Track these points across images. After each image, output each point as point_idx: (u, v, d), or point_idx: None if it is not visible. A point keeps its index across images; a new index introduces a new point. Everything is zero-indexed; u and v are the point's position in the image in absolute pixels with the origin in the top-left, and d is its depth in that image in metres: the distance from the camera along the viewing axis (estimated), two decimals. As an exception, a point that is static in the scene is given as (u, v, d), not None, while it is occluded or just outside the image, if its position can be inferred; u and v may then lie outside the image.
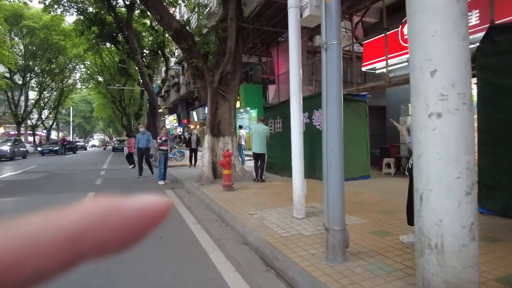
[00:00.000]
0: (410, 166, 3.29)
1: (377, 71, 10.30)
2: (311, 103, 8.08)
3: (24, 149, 22.76)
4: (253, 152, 8.36)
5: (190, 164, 13.01)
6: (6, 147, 20.00)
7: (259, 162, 8.20)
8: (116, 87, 26.61)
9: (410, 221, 3.29)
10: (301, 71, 4.92)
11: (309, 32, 12.47)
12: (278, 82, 14.55)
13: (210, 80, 8.45)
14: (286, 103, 9.00)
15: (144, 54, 23.25)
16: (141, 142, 9.95)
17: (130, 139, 13.87)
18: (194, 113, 32.78)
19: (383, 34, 8.41)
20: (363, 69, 10.48)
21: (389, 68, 8.55)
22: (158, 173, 9.06)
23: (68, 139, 37.89)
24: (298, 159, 4.67)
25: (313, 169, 7.88)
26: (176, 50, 35.93)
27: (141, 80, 30.53)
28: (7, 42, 22.04)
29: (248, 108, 20.93)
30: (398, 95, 10.27)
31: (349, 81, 11.18)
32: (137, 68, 16.24)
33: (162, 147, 9.00)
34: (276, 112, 9.83)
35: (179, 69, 35.30)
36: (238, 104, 21.18)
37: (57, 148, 27.23)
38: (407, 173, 3.52)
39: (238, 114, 23.57)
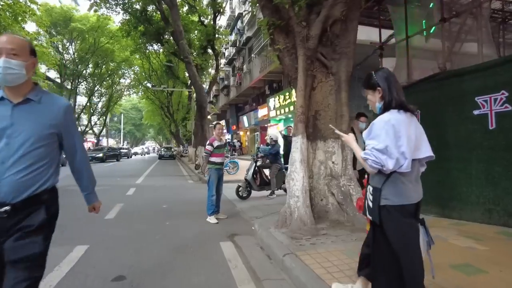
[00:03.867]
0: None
1: None
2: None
3: (63, 156, 20.71)
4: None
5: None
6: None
7: None
8: (162, 88, 24.07)
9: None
10: None
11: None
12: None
13: (301, 35, 4.54)
14: (447, 79, 4.80)
15: (194, 54, 20.41)
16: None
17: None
18: (245, 118, 29.38)
19: None
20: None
21: None
22: (207, 204, 5.26)
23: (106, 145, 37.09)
24: None
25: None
26: (226, 50, 33.19)
27: (188, 81, 28.23)
28: (47, 38, 20.08)
29: (315, 109, 16.68)
30: None
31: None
32: (182, 58, 12.97)
33: (214, 159, 5.27)
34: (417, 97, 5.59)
35: (229, 71, 32.38)
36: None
37: (100, 155, 25.38)
38: None
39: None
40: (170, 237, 4.39)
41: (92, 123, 37.63)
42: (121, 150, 32.81)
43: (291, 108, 17.62)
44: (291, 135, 9.81)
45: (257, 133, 28.63)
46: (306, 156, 4.34)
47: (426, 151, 1.77)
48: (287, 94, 18.17)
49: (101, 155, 25.59)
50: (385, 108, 1.81)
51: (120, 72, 35.04)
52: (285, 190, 9.49)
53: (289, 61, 4.83)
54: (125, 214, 5.78)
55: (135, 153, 39.74)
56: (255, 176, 7.36)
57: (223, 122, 35.51)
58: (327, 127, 4.69)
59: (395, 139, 1.66)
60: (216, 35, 19.18)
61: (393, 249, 1.73)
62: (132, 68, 34.82)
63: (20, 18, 17.20)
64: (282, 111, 19.07)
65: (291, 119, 21.77)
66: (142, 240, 4.26)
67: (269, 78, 22.36)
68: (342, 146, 4.63)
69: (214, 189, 5.17)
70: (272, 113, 20.93)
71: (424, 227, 1.82)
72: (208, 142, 5.31)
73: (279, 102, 19.39)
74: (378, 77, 1.87)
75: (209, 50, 20.72)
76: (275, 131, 17.10)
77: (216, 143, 5.23)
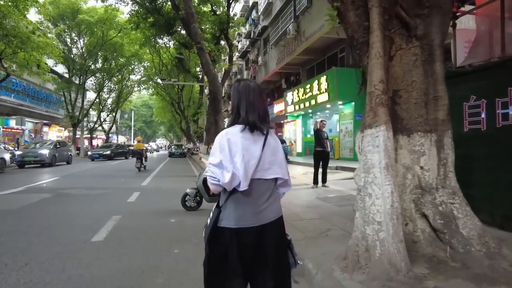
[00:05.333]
0: None
1: None
2: None
3: (68, 153, 19.65)
4: None
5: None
6: (45, 151, 16.80)
7: None
8: (172, 82, 22.77)
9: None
10: None
11: None
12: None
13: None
14: None
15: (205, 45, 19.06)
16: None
17: None
18: (259, 114, 27.87)
19: None
20: None
21: None
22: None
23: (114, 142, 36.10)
24: None
25: None
26: (239, 43, 31.68)
27: (199, 75, 26.89)
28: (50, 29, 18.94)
29: (340, 103, 15.11)
30: None
31: None
32: (194, 43, 11.52)
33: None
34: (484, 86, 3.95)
35: (243, 64, 30.87)
36: (326, 97, 15.58)
37: (108, 152, 24.25)
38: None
39: (326, 112, 17.88)
40: (177, 278, 2.91)
41: (102, 120, 36.68)
42: (130, 148, 31.67)
43: (312, 102, 16.02)
44: (323, 130, 8.33)
45: (271, 130, 27.09)
46: (393, 160, 2.77)
47: (275, 173, 1.66)
48: (307, 87, 16.55)
49: (108, 152, 24.46)
50: (231, 123, 1.68)
51: (130, 67, 34.04)
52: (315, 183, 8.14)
53: (354, 17, 3.26)
54: (118, 235, 4.31)
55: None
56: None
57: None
58: (412, 115, 3.13)
59: (229, 154, 1.55)
60: (230, 24, 17.76)
61: None
62: (142, 63, 33.85)
63: (21, 6, 16.10)
64: (302, 105, 17.47)
65: (310, 116, 20.17)
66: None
67: (286, 70, 20.78)
68: (438, 143, 3.06)
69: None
70: (290, 108, 19.33)
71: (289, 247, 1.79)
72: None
73: (298, 96, 17.78)
74: (232, 89, 1.75)
75: (222, 42, 19.40)
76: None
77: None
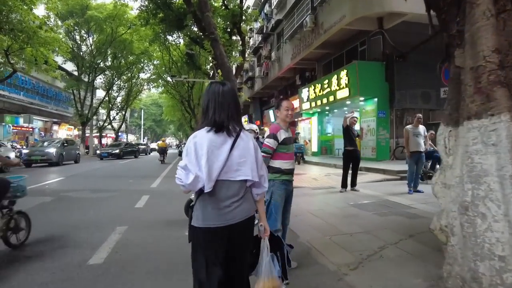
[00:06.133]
0: None
1: None
2: None
3: (76, 152, 19.10)
4: None
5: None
6: (52, 150, 16.25)
7: None
8: (182, 79, 22.06)
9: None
10: None
11: None
12: None
13: None
14: None
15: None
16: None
17: None
18: (271, 112, 26.94)
19: None
20: None
21: None
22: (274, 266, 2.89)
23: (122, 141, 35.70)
24: None
25: None
26: (251, 39, 30.80)
27: (210, 72, 26.14)
28: (56, 22, 18.40)
29: (361, 99, 14.15)
30: None
31: None
32: (207, 35, 10.72)
33: (279, 163, 2.88)
34: None
35: (254, 61, 29.98)
36: (346, 92, 14.59)
37: (117, 151, 23.72)
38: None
39: (344, 109, 16.93)
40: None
41: (111, 118, 36.28)
42: (139, 146, 31.15)
43: (331, 98, 15.09)
44: (351, 126, 7.42)
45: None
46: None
47: (244, 174, 1.68)
48: (325, 82, 15.60)
49: (117, 151, 23.92)
50: (200, 126, 1.73)
51: (139, 65, 33.54)
52: (343, 187, 7.32)
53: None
54: (122, 255, 3.50)
55: (153, 149, 38.16)
56: None
57: (245, 118, 33.28)
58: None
59: (195, 157, 1.61)
60: (243, 17, 16.89)
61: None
62: (152, 61, 33.33)
63: (28, 0, 15.57)
64: (318, 102, 16.52)
65: (327, 113, 19.19)
66: None
67: (301, 66, 19.83)
68: None
69: (280, 220, 2.81)
70: (305, 105, 18.41)
71: (277, 256, 1.90)
72: (268, 133, 2.94)
73: (315, 93, 16.85)
74: (205, 91, 1.80)
75: (234, 38, 18.57)
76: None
77: (282, 134, 2.86)
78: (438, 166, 7.51)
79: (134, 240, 3.98)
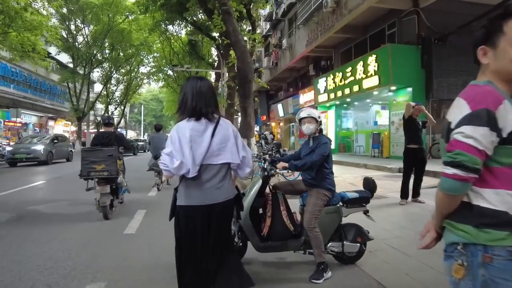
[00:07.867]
0: None
1: None
2: None
3: (68, 149, 17.30)
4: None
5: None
6: (40, 147, 14.46)
7: None
8: (185, 69, 20.23)
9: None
10: None
11: None
12: None
13: None
14: None
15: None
16: None
17: None
18: (279, 106, 25.02)
19: None
20: None
21: None
22: None
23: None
24: None
25: None
26: (258, 28, 28.84)
27: (214, 63, 24.28)
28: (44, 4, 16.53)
29: (392, 88, 12.29)
30: None
31: None
32: (218, 7, 8.87)
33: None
34: None
35: (261, 51, 28.02)
36: (375, 81, 12.70)
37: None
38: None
39: (367, 101, 15.04)
40: None
41: (109, 113, 34.50)
42: (138, 143, 29.29)
43: (355, 88, 13.21)
44: (415, 116, 5.60)
45: (293, 123, 24.39)
46: None
47: (224, 158, 1.83)
48: (348, 70, 13.72)
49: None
50: (181, 117, 1.86)
51: (138, 58, 31.63)
52: (401, 197, 5.32)
53: None
54: None
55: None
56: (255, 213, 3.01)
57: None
58: None
59: (179, 144, 1.76)
60: (253, -1, 15.03)
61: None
62: (152, 54, 31.44)
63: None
64: (339, 93, 14.66)
65: (345, 106, 17.32)
66: None
67: (316, 54, 17.94)
68: None
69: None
70: (322, 98, 16.53)
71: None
72: (465, 109, 1.12)
73: (334, 83, 14.96)
74: (183, 86, 1.92)
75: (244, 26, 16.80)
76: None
77: (509, 114, 1.04)
78: None
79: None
